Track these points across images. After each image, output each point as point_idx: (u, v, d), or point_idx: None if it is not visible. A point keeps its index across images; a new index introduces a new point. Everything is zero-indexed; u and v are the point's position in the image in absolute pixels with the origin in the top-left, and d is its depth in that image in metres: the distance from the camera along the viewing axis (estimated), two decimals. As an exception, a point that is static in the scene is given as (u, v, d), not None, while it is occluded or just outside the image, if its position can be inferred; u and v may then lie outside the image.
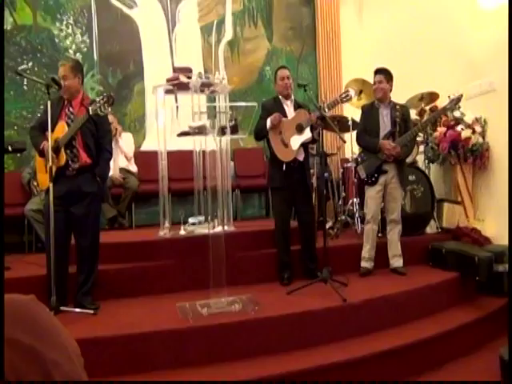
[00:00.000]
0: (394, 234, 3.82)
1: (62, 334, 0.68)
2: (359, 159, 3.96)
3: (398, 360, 2.75)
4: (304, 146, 3.70)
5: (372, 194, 3.78)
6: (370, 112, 3.90)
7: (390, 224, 3.84)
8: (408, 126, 3.88)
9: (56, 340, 0.66)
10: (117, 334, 2.59)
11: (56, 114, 3.02)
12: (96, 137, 3.11)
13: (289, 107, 3.78)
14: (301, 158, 3.67)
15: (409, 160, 4.41)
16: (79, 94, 3.15)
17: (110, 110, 3.01)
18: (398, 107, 3.87)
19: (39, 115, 3.27)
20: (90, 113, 2.92)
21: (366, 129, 3.88)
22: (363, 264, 3.79)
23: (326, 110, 3.59)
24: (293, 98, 3.84)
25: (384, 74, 3.82)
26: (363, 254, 3.81)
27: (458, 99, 3.89)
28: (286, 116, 3.72)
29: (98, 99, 2.93)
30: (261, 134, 3.78)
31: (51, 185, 2.90)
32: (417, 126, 4.00)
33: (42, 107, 3.30)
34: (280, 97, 3.80)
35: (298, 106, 3.77)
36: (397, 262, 3.79)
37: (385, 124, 3.83)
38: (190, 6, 6.17)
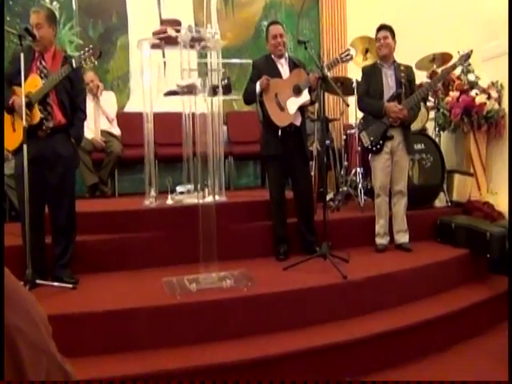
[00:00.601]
0: (400, 206, 3.79)
1: (28, 300, 0.66)
2: (361, 125, 3.89)
3: (401, 341, 2.76)
4: (301, 109, 3.61)
5: (380, 164, 3.73)
6: (372, 73, 3.82)
7: (395, 196, 3.80)
8: (413, 87, 3.83)
9: (20, 306, 0.64)
10: (97, 311, 2.56)
11: (26, 67, 2.91)
12: (70, 95, 3.04)
13: (283, 66, 3.67)
14: (297, 122, 3.59)
15: (418, 127, 4.36)
16: (52, 47, 3.06)
17: (95, 63, 2.95)
18: (402, 67, 3.80)
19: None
20: (74, 65, 2.87)
21: (369, 91, 3.81)
22: (379, 240, 3.78)
23: (326, 70, 3.50)
24: (287, 55, 3.74)
25: (389, 30, 3.75)
26: (377, 230, 3.79)
27: (468, 55, 3.81)
28: (280, 76, 3.62)
29: (83, 51, 2.89)
30: (250, 98, 3.70)
31: (25, 146, 2.80)
32: (424, 85, 3.92)
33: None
34: (272, 55, 3.69)
35: (293, 65, 3.67)
36: (402, 237, 3.77)
37: (389, 86, 3.76)
38: (180, -50, 5.95)
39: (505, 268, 3.52)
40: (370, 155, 3.85)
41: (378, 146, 3.71)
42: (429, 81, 4.64)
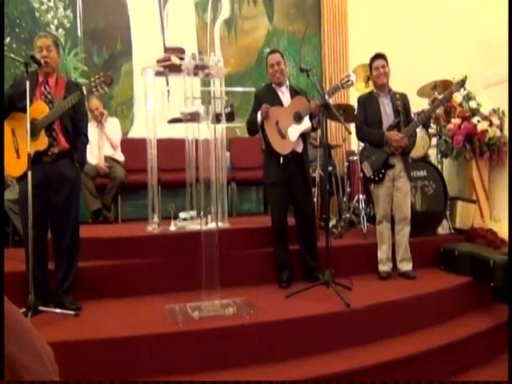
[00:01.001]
0: (403, 235, 3.82)
1: (35, 337, 0.68)
2: (362, 155, 3.92)
3: (404, 370, 2.76)
4: (302, 136, 3.67)
5: (382, 192, 3.79)
6: (369, 102, 3.89)
7: (399, 223, 3.83)
8: (409, 115, 3.91)
9: (27, 342, 0.66)
10: (99, 338, 2.58)
11: (30, 92, 2.95)
12: (73, 120, 3.12)
13: (284, 94, 3.74)
14: (299, 149, 3.65)
15: (420, 153, 4.43)
16: (55, 73, 3.15)
17: (106, 90, 3.04)
18: (397, 96, 3.88)
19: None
20: (85, 92, 2.95)
21: (367, 121, 3.87)
22: (382, 267, 3.81)
23: (327, 96, 3.59)
24: (288, 83, 3.81)
25: (385, 58, 3.84)
26: (380, 256, 3.83)
27: (463, 82, 3.92)
28: (281, 104, 3.70)
29: (93, 79, 2.97)
30: (252, 128, 3.77)
31: (29, 173, 2.86)
32: (422, 113, 4.00)
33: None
34: (273, 84, 3.77)
35: (294, 93, 3.73)
36: (406, 265, 3.81)
37: (387, 114, 3.83)
38: (184, -21, 6.13)
39: (508, 296, 3.54)
40: (372, 185, 3.90)
41: (381, 176, 3.77)
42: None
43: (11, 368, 0.61)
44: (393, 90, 3.90)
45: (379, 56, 3.86)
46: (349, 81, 3.62)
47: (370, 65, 3.90)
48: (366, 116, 3.88)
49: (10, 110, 3.03)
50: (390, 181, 3.78)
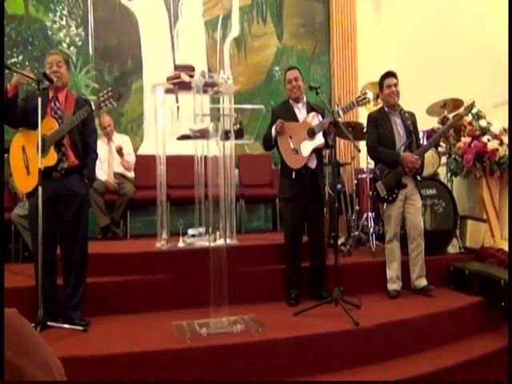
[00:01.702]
0: (419, 252, 3.84)
1: (45, 351, 0.69)
2: (376, 175, 3.94)
3: (414, 391, 2.77)
4: (317, 152, 3.73)
5: (394, 211, 3.82)
6: (380, 120, 3.91)
7: (414, 241, 3.86)
8: (417, 135, 3.97)
9: (38, 356, 0.67)
10: (108, 353, 2.61)
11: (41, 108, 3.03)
12: (83, 136, 3.19)
13: (300, 111, 3.82)
14: (312, 165, 3.70)
15: (429, 172, 4.46)
16: (65, 89, 3.23)
17: (115, 105, 3.10)
18: (407, 115, 3.92)
19: None
20: (93, 108, 3.01)
21: (380, 140, 3.89)
22: (392, 286, 3.82)
23: (341, 113, 3.65)
24: (305, 100, 3.87)
25: (396, 77, 3.88)
26: (390, 275, 3.84)
27: (472, 106, 4.00)
28: (297, 120, 3.77)
29: (102, 94, 3.04)
30: (268, 143, 3.84)
31: (40, 188, 2.92)
32: (432, 138, 4.06)
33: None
34: (290, 100, 3.86)
35: (311, 109, 3.81)
36: (423, 281, 3.82)
37: (400, 134, 3.88)
38: (194, -2, 6.27)
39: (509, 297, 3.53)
40: (385, 204, 3.93)
41: (394, 196, 3.81)
42: (440, 126, 4.79)
43: (20, 379, 0.62)
44: (402, 107, 3.95)
45: (391, 74, 3.90)
46: (365, 98, 3.69)
47: (381, 83, 3.93)
48: (378, 134, 3.90)
49: (23, 122, 3.10)
50: (402, 200, 3.82)
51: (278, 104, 4.08)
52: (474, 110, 4.63)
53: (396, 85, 3.86)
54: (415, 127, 3.93)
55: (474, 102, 3.97)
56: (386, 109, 3.94)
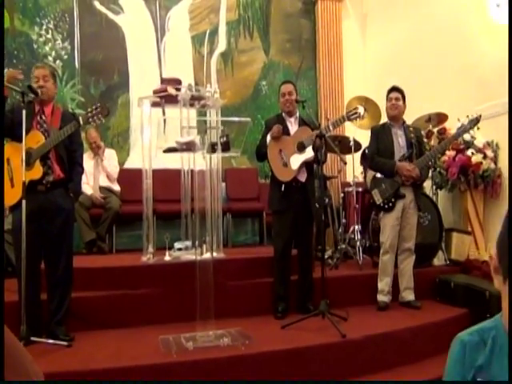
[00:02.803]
0: (408, 264, 3.89)
1: (25, 358, 0.72)
2: (372, 183, 4.01)
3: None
4: (308, 166, 3.76)
5: (390, 221, 3.85)
6: (382, 132, 4.00)
7: (403, 253, 3.91)
8: (422, 149, 4.01)
9: (19, 364, 0.69)
10: (92, 369, 2.60)
11: (26, 122, 3.00)
12: (69, 150, 3.19)
13: (292, 125, 3.86)
14: (302, 178, 3.74)
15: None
16: (51, 103, 3.24)
17: (103, 121, 3.12)
18: (411, 128, 4.01)
19: None
20: (81, 123, 3.03)
21: (379, 151, 3.97)
22: (382, 298, 3.85)
23: (331, 127, 3.69)
24: (298, 114, 3.91)
25: (401, 92, 3.97)
26: (382, 287, 3.87)
27: (477, 120, 4.00)
28: (289, 134, 3.81)
29: (90, 109, 3.06)
30: (261, 151, 3.87)
31: (24, 202, 2.90)
32: (435, 148, 4.12)
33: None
34: (283, 114, 3.89)
35: (303, 123, 3.85)
36: (410, 295, 3.86)
37: (400, 145, 3.95)
38: (181, 13, 6.36)
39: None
40: (381, 213, 3.98)
41: (390, 204, 3.85)
42: (426, 140, 4.87)
43: None
44: (406, 122, 4.03)
45: (395, 89, 4.00)
46: (356, 113, 3.76)
47: (386, 96, 4.03)
48: (378, 146, 3.98)
49: (9, 133, 3.08)
50: (400, 211, 3.86)
51: (271, 116, 4.12)
52: (458, 125, 4.72)
53: (398, 99, 3.94)
54: (419, 141, 3.99)
55: (480, 115, 4.00)
56: (389, 121, 4.03)
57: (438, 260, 4.49)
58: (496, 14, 4.56)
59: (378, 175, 4.02)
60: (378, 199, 3.88)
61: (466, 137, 4.70)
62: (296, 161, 3.70)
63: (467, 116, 4.20)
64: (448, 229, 4.64)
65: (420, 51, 5.68)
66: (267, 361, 2.83)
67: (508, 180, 4.41)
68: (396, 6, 6.20)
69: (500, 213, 4.49)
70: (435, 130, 4.90)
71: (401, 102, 3.96)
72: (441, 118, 4.84)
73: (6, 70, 3.05)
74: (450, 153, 4.70)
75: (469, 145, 4.67)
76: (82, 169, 3.36)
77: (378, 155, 3.97)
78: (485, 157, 4.55)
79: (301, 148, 3.69)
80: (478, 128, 4.46)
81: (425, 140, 4.87)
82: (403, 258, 3.91)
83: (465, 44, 4.98)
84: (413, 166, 3.81)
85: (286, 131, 3.81)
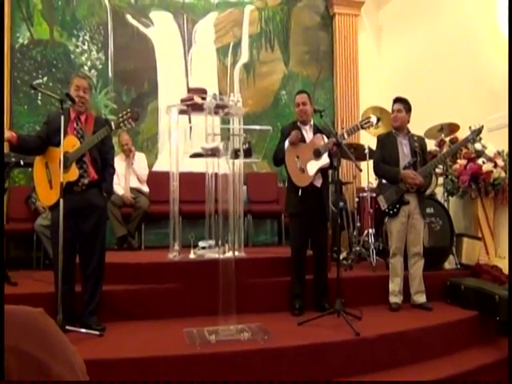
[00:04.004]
0: (418, 268, 3.87)
1: (69, 350, 0.72)
2: (378, 189, 4.00)
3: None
4: (323, 171, 3.77)
5: (397, 226, 3.84)
6: (387, 141, 3.98)
7: (413, 257, 3.89)
8: (425, 157, 3.98)
9: (63, 354, 0.69)
10: (122, 357, 2.64)
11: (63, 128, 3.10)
12: (101, 152, 3.26)
13: (307, 132, 3.86)
14: (318, 184, 3.74)
15: (427, 192, 4.48)
16: (86, 111, 3.31)
17: (133, 125, 3.17)
18: (415, 138, 3.98)
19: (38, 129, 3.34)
20: (113, 128, 3.09)
21: (384, 158, 3.95)
22: (393, 299, 3.83)
23: (346, 135, 3.69)
24: (312, 122, 3.92)
25: (403, 103, 3.93)
26: (393, 288, 3.85)
27: (480, 131, 3.98)
28: (304, 141, 3.81)
29: (121, 114, 3.14)
30: (278, 157, 3.87)
31: (61, 201, 2.96)
32: (438, 156, 4.09)
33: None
34: (298, 122, 3.90)
35: (318, 131, 3.85)
36: (421, 297, 3.84)
37: (404, 154, 3.92)
38: (207, 27, 6.40)
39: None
40: (386, 218, 3.96)
41: (395, 210, 3.83)
42: (437, 149, 4.83)
43: (46, 375, 0.63)
44: (411, 132, 4.00)
45: (398, 100, 3.97)
46: (368, 122, 3.74)
47: (392, 107, 4.01)
48: (383, 154, 3.96)
49: (45, 147, 3.18)
50: (405, 216, 3.83)
51: (287, 124, 4.13)
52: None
53: (400, 110, 3.91)
54: (423, 150, 3.97)
55: (482, 126, 3.98)
56: (393, 131, 4.01)
57: (449, 264, 4.44)
58: (506, 28, 4.50)
59: (384, 181, 3.99)
60: (384, 205, 3.87)
61: (477, 146, 4.65)
62: (313, 167, 3.70)
63: (469, 127, 4.14)
64: (459, 234, 4.58)
65: (432, 63, 5.64)
66: (285, 355, 2.83)
67: (508, 180, 4.35)
68: (409, 19, 6.17)
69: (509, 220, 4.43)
70: (447, 139, 4.86)
71: (403, 113, 3.91)
72: (452, 127, 4.80)
73: None
74: (462, 161, 4.65)
75: (480, 154, 4.62)
76: (114, 169, 3.43)
77: (383, 162, 3.95)
78: (495, 166, 4.50)
79: (317, 155, 3.69)
80: (481, 139, 4.43)
81: (437, 149, 4.84)
82: (413, 262, 3.89)
83: (476, 56, 4.94)
84: (416, 173, 3.79)
85: (301, 138, 3.81)
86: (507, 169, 4.49)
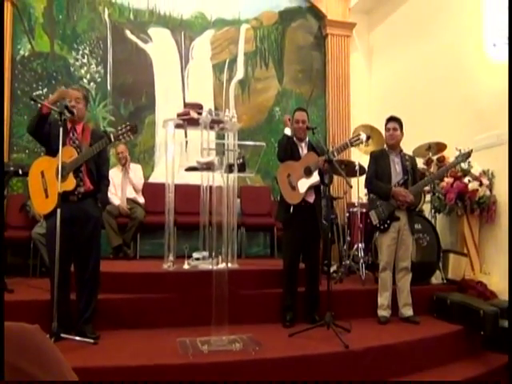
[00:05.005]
0: (405, 281, 3.90)
1: (64, 366, 0.73)
2: (369, 204, 4.04)
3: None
4: (316, 188, 3.78)
5: (387, 241, 3.87)
6: (380, 158, 4.02)
7: (401, 272, 3.92)
8: (416, 176, 4.03)
9: (58, 370, 0.70)
10: (116, 365, 2.63)
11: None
12: (97, 164, 3.28)
13: (303, 149, 3.88)
14: (311, 199, 3.76)
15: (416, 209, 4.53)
16: (82, 122, 3.34)
17: (132, 138, 3.20)
18: (407, 157, 4.03)
19: None
20: (112, 140, 3.11)
21: (377, 175, 4.00)
22: (382, 312, 3.85)
23: (335, 153, 3.72)
24: (307, 140, 3.94)
25: (398, 122, 3.99)
26: (381, 302, 3.88)
27: (469, 154, 4.03)
28: (299, 156, 3.83)
29: (120, 127, 3.16)
30: (282, 145, 3.81)
31: (59, 210, 2.97)
32: (428, 177, 4.16)
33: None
34: (295, 138, 3.89)
35: (312, 148, 3.87)
36: (409, 310, 3.86)
37: (396, 171, 3.97)
38: (204, 44, 6.48)
39: (498, 345, 3.55)
40: (377, 233, 3.99)
41: (386, 225, 3.87)
42: (425, 167, 4.90)
43: None
44: (403, 151, 4.06)
45: (393, 119, 4.01)
46: (358, 139, 3.79)
47: (385, 125, 4.05)
48: (376, 170, 4.00)
49: (47, 143, 3.18)
50: (396, 232, 3.87)
51: (284, 138, 3.94)
52: (457, 154, 4.74)
53: (396, 129, 3.96)
54: (413, 169, 4.02)
55: (471, 150, 4.04)
56: (387, 148, 4.06)
57: (436, 279, 4.48)
58: (493, 52, 4.62)
59: (375, 197, 4.03)
60: (375, 220, 3.90)
61: (464, 165, 4.72)
62: (303, 185, 3.71)
63: (459, 150, 4.22)
64: (445, 250, 4.63)
65: (422, 84, 5.74)
66: (275, 366, 2.83)
67: (508, 198, 4.42)
68: (400, 41, 6.29)
69: (494, 237, 4.49)
70: (435, 157, 4.92)
71: (398, 132, 3.97)
72: (440, 146, 4.87)
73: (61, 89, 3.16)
74: (449, 179, 4.71)
75: (466, 172, 4.68)
76: (108, 181, 3.45)
77: (375, 178, 3.99)
78: (481, 184, 4.55)
79: (308, 172, 3.71)
80: (469, 162, 4.51)
81: (425, 167, 4.91)
82: (401, 276, 3.92)
83: (464, 78, 5.02)
84: (407, 191, 3.84)
85: (297, 155, 3.83)
86: (493, 188, 4.55)
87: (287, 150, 3.80)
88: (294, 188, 3.73)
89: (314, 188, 3.77)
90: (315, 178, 3.72)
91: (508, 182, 3.94)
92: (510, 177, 3.89)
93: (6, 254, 4.74)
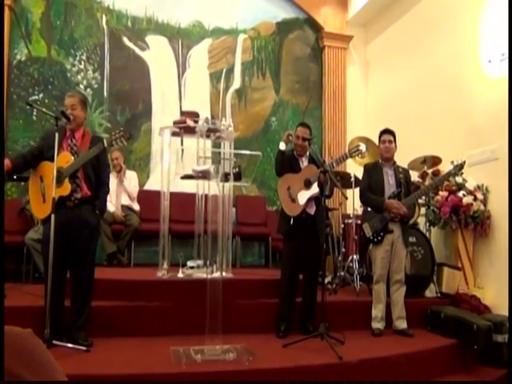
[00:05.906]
0: (399, 294, 3.92)
1: (57, 370, 0.73)
2: (363, 217, 4.07)
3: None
4: (316, 199, 3.78)
5: (381, 253, 3.90)
6: (374, 170, 4.06)
7: (395, 284, 3.95)
8: (409, 188, 4.07)
9: (50, 374, 0.71)
10: (108, 373, 2.62)
11: (58, 144, 3.10)
12: (96, 170, 3.27)
13: (303, 162, 3.89)
14: (311, 211, 3.77)
15: (410, 221, 4.57)
16: (82, 128, 3.34)
17: (125, 143, 3.21)
18: (400, 169, 4.07)
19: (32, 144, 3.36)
20: (106, 144, 3.13)
21: (371, 187, 4.03)
22: (376, 325, 3.87)
23: (334, 164, 3.76)
24: (308, 153, 3.92)
25: (393, 135, 4.04)
26: (375, 314, 3.89)
27: (462, 166, 4.09)
28: (300, 170, 3.84)
29: (114, 133, 3.16)
30: (279, 160, 3.82)
31: (53, 215, 2.98)
32: (422, 189, 4.19)
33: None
34: (295, 153, 3.89)
35: (312, 161, 3.86)
36: (402, 323, 3.88)
37: (390, 184, 4.01)
38: (201, 52, 6.54)
39: (492, 359, 3.57)
40: (371, 245, 4.02)
41: (379, 238, 3.90)
42: (420, 180, 4.95)
43: None
44: (397, 163, 4.10)
45: (388, 131, 4.05)
46: (357, 151, 3.80)
47: (379, 137, 4.09)
48: (370, 182, 4.03)
49: (39, 159, 3.22)
50: (389, 244, 3.90)
51: (286, 150, 3.94)
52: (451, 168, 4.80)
53: (391, 141, 4.01)
54: (407, 181, 4.06)
55: (464, 162, 4.10)
56: (380, 161, 4.09)
57: (430, 292, 4.51)
58: (488, 68, 4.70)
59: (369, 209, 4.07)
60: (368, 232, 3.93)
61: (458, 179, 4.77)
62: (303, 196, 3.74)
63: (452, 162, 4.28)
64: (440, 263, 4.66)
65: (417, 97, 5.81)
66: (269, 376, 2.83)
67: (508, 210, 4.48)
68: (396, 55, 6.38)
69: (488, 251, 4.54)
70: (430, 171, 4.97)
71: (393, 145, 4.02)
72: (435, 160, 4.92)
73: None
74: (443, 193, 4.75)
75: (460, 187, 4.73)
76: (108, 188, 3.43)
77: (369, 191, 4.02)
78: (475, 199, 4.60)
79: (307, 185, 3.73)
80: (462, 173, 4.57)
81: (420, 180, 4.96)
82: (395, 289, 3.95)
83: (459, 93, 5.09)
84: (400, 204, 3.87)
85: (297, 168, 3.84)
86: (487, 202, 4.61)
87: (284, 165, 3.83)
88: (293, 200, 3.75)
89: (314, 200, 3.77)
90: (315, 189, 3.73)
91: (508, 196, 3.99)
92: (510, 191, 3.94)
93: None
